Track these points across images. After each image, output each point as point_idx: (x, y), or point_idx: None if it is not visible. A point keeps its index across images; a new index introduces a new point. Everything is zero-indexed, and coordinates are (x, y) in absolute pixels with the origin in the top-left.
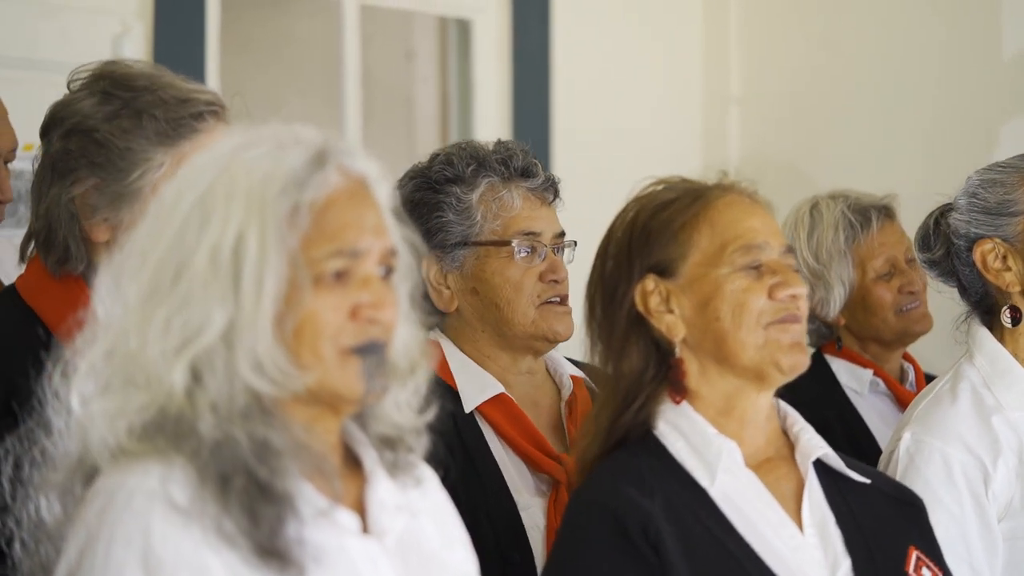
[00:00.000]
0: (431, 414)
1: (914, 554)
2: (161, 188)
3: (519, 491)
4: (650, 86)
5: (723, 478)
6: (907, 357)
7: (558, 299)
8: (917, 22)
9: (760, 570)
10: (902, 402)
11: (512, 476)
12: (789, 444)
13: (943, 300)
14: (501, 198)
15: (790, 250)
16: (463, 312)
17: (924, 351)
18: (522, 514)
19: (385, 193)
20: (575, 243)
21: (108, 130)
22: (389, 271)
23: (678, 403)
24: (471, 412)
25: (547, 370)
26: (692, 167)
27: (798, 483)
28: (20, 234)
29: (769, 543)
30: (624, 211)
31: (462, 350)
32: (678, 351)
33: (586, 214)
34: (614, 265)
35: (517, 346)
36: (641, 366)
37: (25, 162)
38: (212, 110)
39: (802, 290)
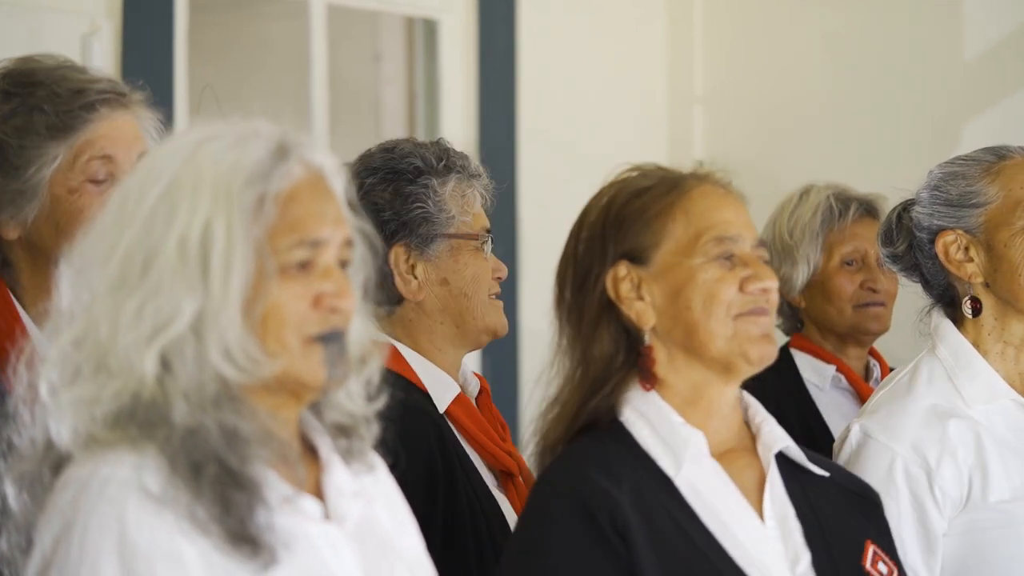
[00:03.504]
0: (381, 402)
1: (871, 548)
2: (122, 180)
3: (490, 486)
4: (615, 86)
5: (688, 467)
6: (874, 354)
7: (498, 294)
8: (880, 21)
9: (724, 562)
10: (864, 398)
11: (483, 472)
12: (751, 435)
13: (913, 298)
14: (467, 195)
15: (762, 243)
16: (425, 303)
17: (896, 349)
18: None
19: (341, 185)
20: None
21: (3, 130)
22: (345, 263)
23: (648, 390)
24: (443, 413)
25: None
26: None
27: (759, 475)
28: None
29: (733, 534)
30: (599, 195)
31: (415, 345)
32: (647, 339)
33: (552, 213)
34: (586, 249)
35: (469, 339)
36: (611, 351)
37: None
38: (105, 98)
39: (773, 283)
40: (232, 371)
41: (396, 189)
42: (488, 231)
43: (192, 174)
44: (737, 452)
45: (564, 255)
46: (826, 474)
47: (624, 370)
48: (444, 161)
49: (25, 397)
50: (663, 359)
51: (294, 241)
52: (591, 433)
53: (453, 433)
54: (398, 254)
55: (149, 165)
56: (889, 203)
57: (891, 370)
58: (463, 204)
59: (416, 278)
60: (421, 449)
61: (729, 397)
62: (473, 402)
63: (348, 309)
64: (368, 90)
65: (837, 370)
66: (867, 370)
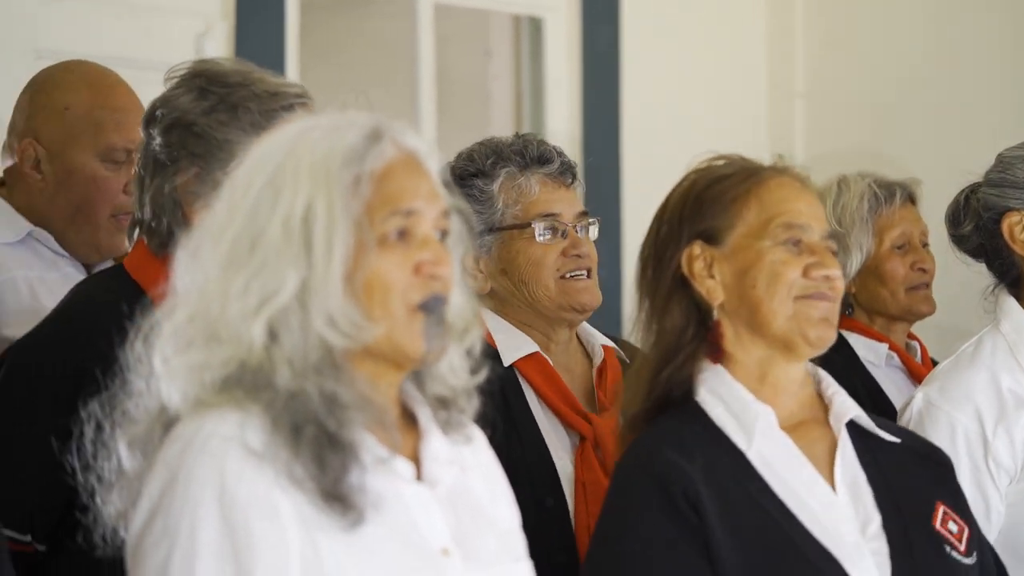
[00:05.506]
0: (482, 376)
1: (940, 508)
2: (232, 174)
3: (552, 443)
4: (716, 81)
5: (759, 441)
6: (912, 335)
7: (582, 273)
8: (981, 13)
9: (794, 527)
10: (915, 375)
11: (546, 429)
12: (824, 408)
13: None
14: (519, 185)
15: (832, 236)
16: (497, 292)
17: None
18: (556, 464)
19: (435, 165)
20: (598, 221)
21: (207, 123)
22: (444, 234)
23: (715, 364)
24: (509, 367)
25: (579, 340)
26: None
27: (831, 444)
28: None
29: (803, 501)
30: (682, 180)
31: (502, 316)
32: (716, 315)
33: (655, 206)
34: (667, 229)
35: (550, 318)
36: (682, 324)
37: None
38: (301, 102)
39: (836, 272)
40: (335, 336)
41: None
42: (547, 215)
43: (293, 162)
44: (809, 424)
45: (647, 235)
46: (896, 440)
47: (694, 344)
48: (494, 158)
49: (140, 369)
50: (730, 335)
51: (389, 212)
52: (668, 413)
53: (514, 385)
54: None
55: (254, 158)
56: (925, 183)
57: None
58: (516, 195)
59: (481, 272)
60: None
61: (794, 374)
62: (593, 372)
63: (447, 276)
64: (477, 86)
65: (890, 348)
66: (907, 350)
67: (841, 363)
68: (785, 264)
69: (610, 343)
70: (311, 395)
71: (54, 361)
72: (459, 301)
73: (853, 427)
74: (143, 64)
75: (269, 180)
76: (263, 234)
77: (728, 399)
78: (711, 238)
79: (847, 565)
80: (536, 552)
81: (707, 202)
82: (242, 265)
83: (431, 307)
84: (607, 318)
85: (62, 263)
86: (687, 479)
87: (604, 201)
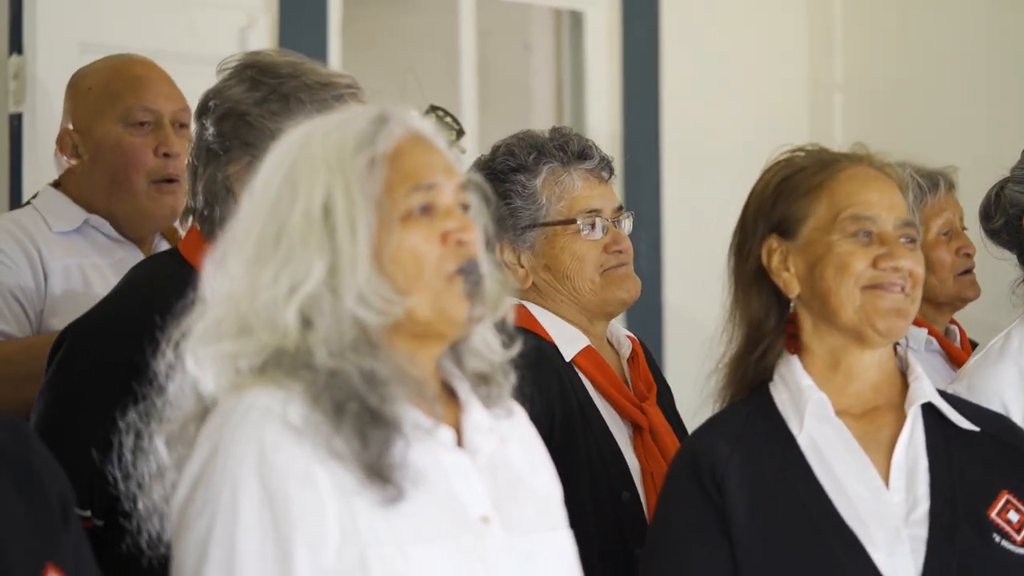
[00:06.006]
0: (516, 349)
1: (1004, 497)
2: (251, 182)
3: (616, 436)
4: (755, 74)
5: (811, 427)
6: (952, 322)
7: (624, 267)
8: (1021, 4)
9: (822, 513)
10: (954, 360)
11: (608, 422)
12: (905, 393)
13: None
14: (562, 181)
15: (908, 225)
16: (539, 287)
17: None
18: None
19: (443, 142)
20: (632, 214)
21: (259, 113)
22: (465, 208)
23: (792, 354)
24: (570, 362)
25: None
26: None
27: (899, 429)
28: None
29: (845, 488)
30: (763, 173)
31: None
32: (793, 306)
33: (695, 199)
34: (748, 223)
35: (591, 312)
36: (762, 315)
37: None
38: (351, 92)
39: (907, 263)
40: (368, 314)
41: (491, 188)
42: (590, 211)
43: (306, 157)
44: (882, 410)
45: (736, 227)
46: (976, 428)
47: (774, 335)
48: (536, 154)
49: (174, 374)
50: (808, 327)
51: (409, 188)
52: (739, 400)
53: (580, 381)
54: (501, 248)
55: (270, 162)
56: (964, 176)
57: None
58: (559, 191)
59: (523, 267)
60: (542, 396)
61: (868, 361)
62: (623, 362)
63: (472, 242)
64: (518, 80)
65: (929, 333)
66: (947, 335)
67: None
68: (852, 256)
69: (631, 334)
70: (351, 373)
71: (107, 347)
72: (488, 270)
73: (932, 413)
74: (187, 58)
75: (286, 178)
76: (285, 227)
77: (790, 385)
78: (786, 231)
79: (876, 554)
80: (617, 546)
81: (781, 195)
82: (269, 259)
83: (468, 270)
84: (647, 310)
85: (118, 249)
86: (718, 460)
87: (644, 194)
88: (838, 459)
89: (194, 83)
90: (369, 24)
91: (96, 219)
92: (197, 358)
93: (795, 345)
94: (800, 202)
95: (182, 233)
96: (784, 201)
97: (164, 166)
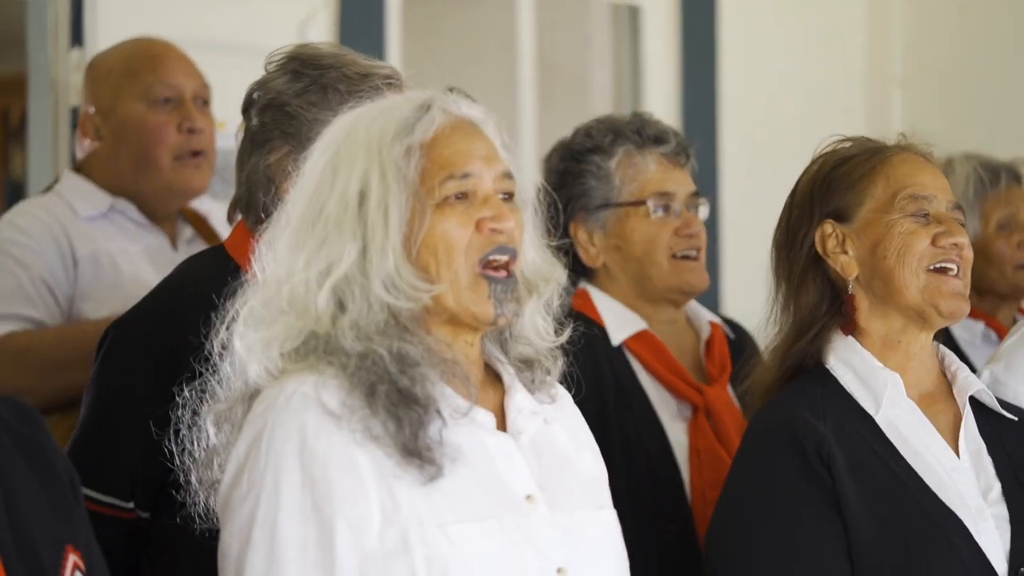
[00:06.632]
0: (566, 336)
1: None
2: (302, 166)
3: (664, 416)
4: (813, 68)
5: (887, 407)
6: (1021, 311)
7: (693, 252)
8: None
9: (920, 488)
10: None
11: (657, 403)
12: (946, 383)
13: None
14: (636, 163)
15: (958, 207)
16: (608, 267)
17: None
18: (668, 436)
19: (493, 129)
20: (707, 201)
21: (298, 104)
22: (509, 196)
23: (847, 336)
24: (619, 346)
25: (687, 319)
26: None
27: (955, 417)
28: None
29: (929, 465)
30: (810, 165)
31: (610, 294)
32: (851, 288)
33: (752, 192)
34: (799, 213)
35: (657, 298)
36: (816, 300)
37: (226, 140)
38: (389, 83)
39: (964, 240)
40: (396, 300)
41: (567, 168)
42: (662, 194)
43: (350, 143)
44: (934, 396)
45: (779, 222)
46: (1014, 418)
47: (827, 318)
48: (612, 136)
49: (225, 354)
50: (864, 308)
51: (444, 176)
52: (799, 379)
53: (628, 365)
54: (575, 227)
55: (318, 147)
56: None
57: None
58: (632, 173)
59: (595, 246)
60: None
61: (925, 343)
62: (701, 346)
63: (510, 230)
64: (576, 73)
65: (987, 326)
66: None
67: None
68: (913, 234)
69: (717, 319)
70: (381, 355)
71: (152, 343)
72: (534, 259)
73: (975, 404)
74: (247, 50)
75: (329, 163)
76: (323, 211)
77: (858, 366)
78: (841, 216)
79: (970, 526)
80: (650, 522)
81: (835, 182)
82: (305, 242)
83: (497, 255)
84: (705, 297)
85: (145, 234)
86: (820, 438)
87: (702, 187)
88: (917, 439)
89: (253, 76)
90: (428, 18)
91: (122, 203)
92: (245, 341)
93: (849, 327)
94: (856, 187)
95: (199, 211)
96: (838, 187)
97: (188, 141)
